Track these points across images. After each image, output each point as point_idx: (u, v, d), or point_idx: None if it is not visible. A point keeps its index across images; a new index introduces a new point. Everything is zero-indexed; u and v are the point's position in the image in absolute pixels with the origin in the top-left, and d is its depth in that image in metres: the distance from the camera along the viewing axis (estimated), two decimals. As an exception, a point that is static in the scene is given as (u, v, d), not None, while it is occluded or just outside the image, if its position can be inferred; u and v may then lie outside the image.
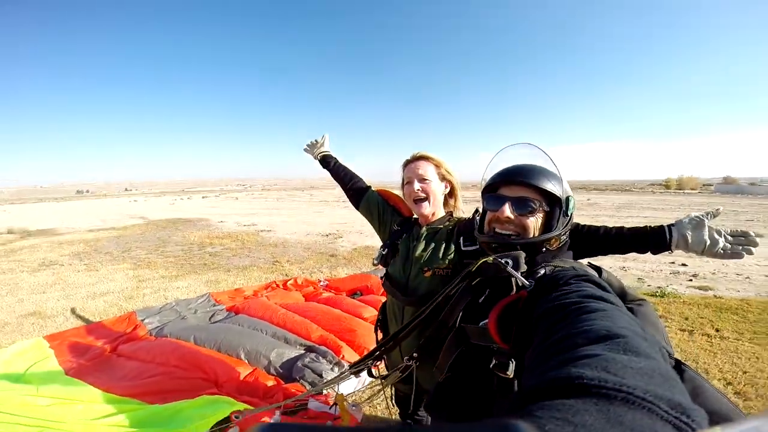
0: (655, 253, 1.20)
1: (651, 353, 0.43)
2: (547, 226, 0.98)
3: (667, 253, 1.19)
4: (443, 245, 1.61)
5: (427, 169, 1.65)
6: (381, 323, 1.91)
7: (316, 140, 2.12)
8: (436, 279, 1.57)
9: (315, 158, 2.10)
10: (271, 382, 2.56)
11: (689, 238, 1.14)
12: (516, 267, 0.85)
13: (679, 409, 0.32)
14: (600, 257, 1.29)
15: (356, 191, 1.97)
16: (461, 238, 1.56)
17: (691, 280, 6.06)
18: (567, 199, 0.98)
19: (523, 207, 0.96)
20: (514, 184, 0.99)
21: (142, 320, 3.83)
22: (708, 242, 1.12)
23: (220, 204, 31.44)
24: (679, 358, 0.70)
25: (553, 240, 0.96)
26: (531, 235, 0.96)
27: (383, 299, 4.53)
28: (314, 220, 16.80)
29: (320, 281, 5.58)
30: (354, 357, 2.92)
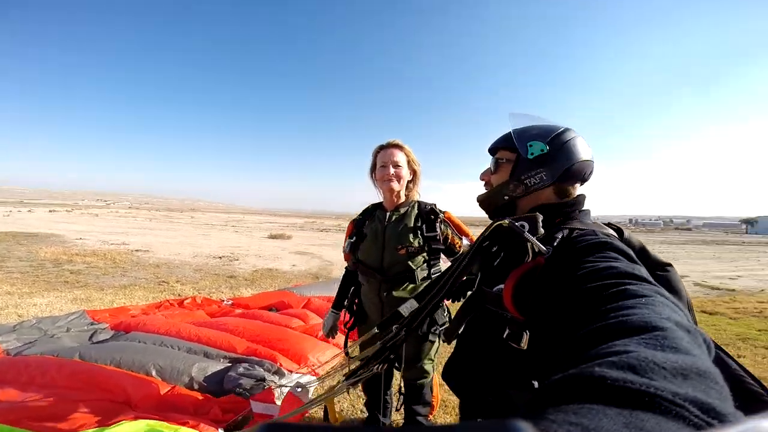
0: None
1: (691, 348, 0.38)
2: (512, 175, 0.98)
3: None
4: (411, 227, 1.80)
5: (400, 157, 1.84)
6: (357, 315, 1.92)
7: None
8: (409, 256, 1.76)
9: None
10: (199, 397, 2.22)
11: None
12: (533, 231, 0.78)
13: (713, 413, 0.28)
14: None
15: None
16: (423, 225, 1.79)
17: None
18: (528, 145, 0.94)
19: (492, 168, 1.03)
20: (491, 153, 1.06)
21: (-8, 340, 2.98)
22: None
23: (76, 220, 26.40)
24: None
25: (512, 186, 0.95)
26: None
27: (308, 312, 4.29)
28: (200, 242, 15.23)
29: (224, 300, 5.09)
30: (292, 365, 2.72)
